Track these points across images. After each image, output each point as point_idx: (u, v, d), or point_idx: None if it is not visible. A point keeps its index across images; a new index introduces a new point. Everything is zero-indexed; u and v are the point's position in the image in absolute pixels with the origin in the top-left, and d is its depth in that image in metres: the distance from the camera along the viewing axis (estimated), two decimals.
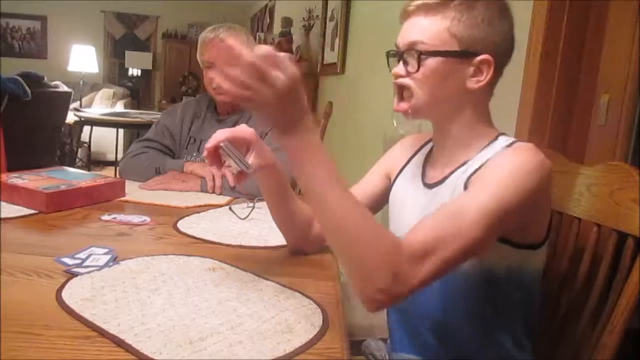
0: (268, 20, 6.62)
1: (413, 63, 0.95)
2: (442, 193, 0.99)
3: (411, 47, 0.95)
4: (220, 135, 0.99)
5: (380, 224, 0.80)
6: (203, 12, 8.52)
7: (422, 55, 0.94)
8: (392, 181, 1.16)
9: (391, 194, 1.15)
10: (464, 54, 0.93)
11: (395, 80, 0.99)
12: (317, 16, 4.17)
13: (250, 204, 1.41)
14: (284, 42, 4.37)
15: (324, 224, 0.80)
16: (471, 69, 0.94)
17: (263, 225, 1.30)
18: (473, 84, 0.95)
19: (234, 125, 1.87)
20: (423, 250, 0.77)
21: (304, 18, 4.31)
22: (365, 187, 1.19)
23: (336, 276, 1.01)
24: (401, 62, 0.98)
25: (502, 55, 0.96)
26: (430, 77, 0.94)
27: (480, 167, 0.92)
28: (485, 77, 0.94)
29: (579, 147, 1.53)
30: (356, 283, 0.77)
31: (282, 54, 0.73)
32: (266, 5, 6.77)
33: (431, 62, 0.94)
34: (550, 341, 1.09)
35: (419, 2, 0.96)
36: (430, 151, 1.10)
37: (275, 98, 0.72)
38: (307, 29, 4.28)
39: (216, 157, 1.00)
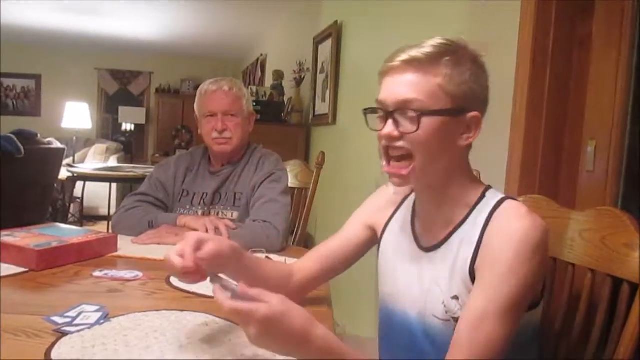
0: (259, 73, 6.73)
1: (409, 123, 0.90)
2: (439, 257, 0.98)
3: (404, 105, 0.91)
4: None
5: None
6: (195, 67, 8.67)
7: (421, 114, 0.89)
8: (378, 237, 1.14)
9: (380, 252, 1.13)
10: (458, 112, 0.92)
11: (390, 144, 0.93)
12: (308, 69, 4.26)
13: None
14: (275, 95, 4.45)
15: None
16: (462, 127, 0.93)
17: None
18: (463, 141, 0.94)
19: (226, 178, 1.90)
20: None
21: (294, 71, 4.39)
22: (348, 236, 1.18)
23: (330, 329, 1.00)
24: (390, 122, 0.93)
25: (484, 110, 0.96)
26: (429, 137, 0.90)
27: (479, 241, 0.91)
28: (474, 134, 0.94)
29: (569, 194, 1.54)
30: None
31: (245, 307, 0.74)
32: (257, 59, 6.91)
33: (429, 122, 0.90)
34: None
35: (406, 57, 0.91)
36: (414, 206, 1.08)
37: (257, 343, 0.76)
38: (298, 81, 4.35)
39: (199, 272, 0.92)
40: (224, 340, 0.90)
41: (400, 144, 0.92)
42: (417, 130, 0.90)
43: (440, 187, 0.98)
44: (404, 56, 0.91)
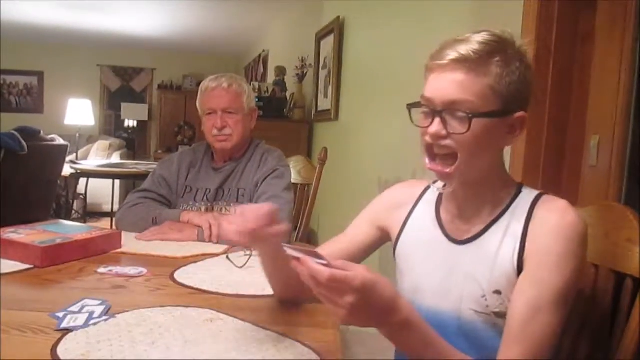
0: (262, 69, 6.73)
1: (458, 124, 0.90)
2: (475, 250, 0.97)
3: (454, 106, 0.90)
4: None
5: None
6: (197, 64, 8.67)
7: (472, 116, 0.88)
8: (395, 236, 1.11)
9: (399, 249, 1.11)
10: (506, 113, 0.91)
11: (435, 142, 0.93)
12: (310, 65, 4.26)
13: (247, 252, 1.41)
14: (278, 91, 4.44)
15: None
16: (507, 126, 0.93)
17: (260, 273, 1.29)
18: (508, 140, 0.95)
19: (229, 175, 1.90)
20: None
21: (297, 67, 4.39)
22: (355, 236, 1.16)
23: (335, 324, 1.00)
24: (437, 121, 0.92)
25: (528, 107, 0.95)
26: (477, 138, 0.90)
27: (524, 235, 0.92)
28: (519, 133, 0.94)
29: (572, 189, 1.54)
30: None
31: (345, 275, 0.74)
32: (259, 55, 6.90)
33: (478, 123, 0.89)
34: None
35: (456, 56, 0.89)
36: (439, 202, 1.07)
37: (351, 313, 0.76)
38: (301, 77, 4.35)
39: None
40: (229, 336, 0.90)
41: (446, 142, 0.92)
42: (467, 131, 0.89)
43: (479, 183, 0.98)
44: (453, 54, 0.89)
